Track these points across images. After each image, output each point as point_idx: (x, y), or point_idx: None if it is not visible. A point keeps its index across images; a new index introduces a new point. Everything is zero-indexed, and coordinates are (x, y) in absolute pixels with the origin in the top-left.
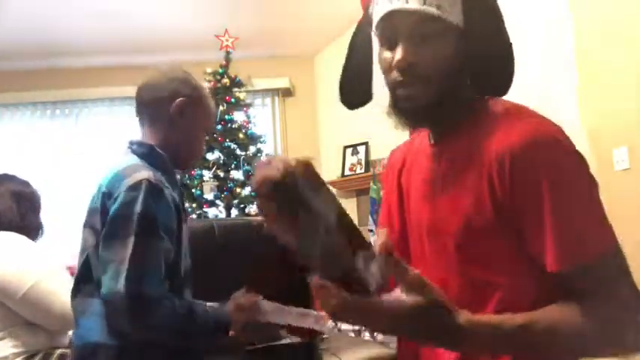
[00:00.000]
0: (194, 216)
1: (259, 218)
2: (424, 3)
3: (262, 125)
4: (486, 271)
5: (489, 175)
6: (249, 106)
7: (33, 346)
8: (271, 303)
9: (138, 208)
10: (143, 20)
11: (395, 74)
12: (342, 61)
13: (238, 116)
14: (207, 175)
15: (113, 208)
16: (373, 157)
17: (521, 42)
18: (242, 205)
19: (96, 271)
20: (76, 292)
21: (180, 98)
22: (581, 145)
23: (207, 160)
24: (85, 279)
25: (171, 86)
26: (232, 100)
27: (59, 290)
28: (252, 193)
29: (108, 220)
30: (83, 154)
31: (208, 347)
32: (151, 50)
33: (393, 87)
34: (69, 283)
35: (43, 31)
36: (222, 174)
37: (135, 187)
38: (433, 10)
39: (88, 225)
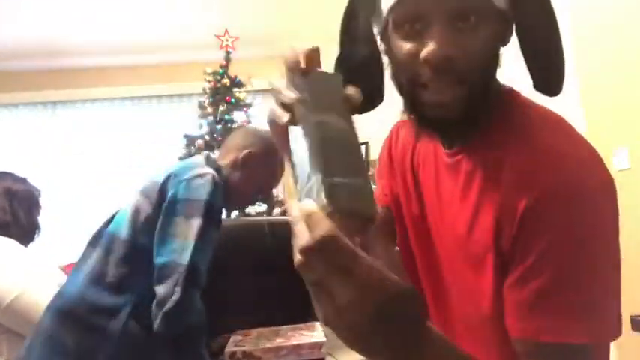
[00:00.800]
0: None
1: (259, 219)
2: None
3: (262, 125)
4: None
5: (500, 209)
6: (249, 106)
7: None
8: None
9: (205, 194)
10: (143, 20)
11: (424, 71)
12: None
13: (238, 116)
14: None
15: (180, 188)
16: (373, 157)
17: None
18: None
19: (141, 236)
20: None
21: (249, 151)
22: None
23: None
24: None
25: (249, 140)
26: (232, 100)
27: (45, 302)
28: None
29: (174, 199)
30: (83, 154)
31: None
32: (151, 50)
33: (415, 88)
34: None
35: (43, 31)
36: None
37: (202, 175)
38: None
39: (145, 193)
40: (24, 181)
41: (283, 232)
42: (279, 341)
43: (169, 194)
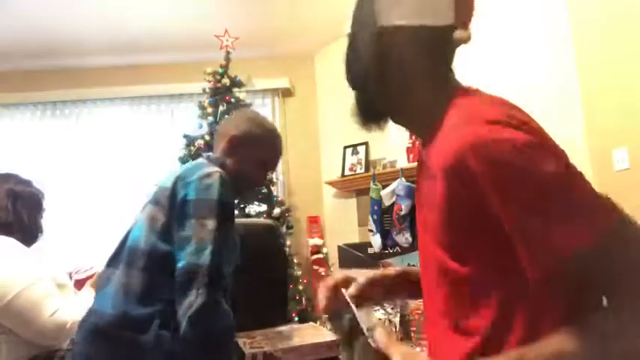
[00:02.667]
0: None
1: (259, 219)
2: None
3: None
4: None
5: (442, 193)
6: (249, 106)
7: (15, 355)
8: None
9: (215, 193)
10: (143, 20)
11: None
12: (343, 61)
13: None
14: None
15: (189, 190)
16: (373, 157)
17: (522, 43)
18: (242, 205)
19: (160, 244)
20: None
21: (233, 134)
22: (582, 145)
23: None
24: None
25: (236, 123)
26: (232, 100)
27: (42, 303)
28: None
29: (185, 202)
30: (83, 154)
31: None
32: (151, 50)
33: None
34: (53, 293)
35: (43, 31)
36: None
37: (210, 175)
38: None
39: (155, 201)
40: (28, 183)
41: (258, 234)
42: (297, 341)
43: (179, 197)
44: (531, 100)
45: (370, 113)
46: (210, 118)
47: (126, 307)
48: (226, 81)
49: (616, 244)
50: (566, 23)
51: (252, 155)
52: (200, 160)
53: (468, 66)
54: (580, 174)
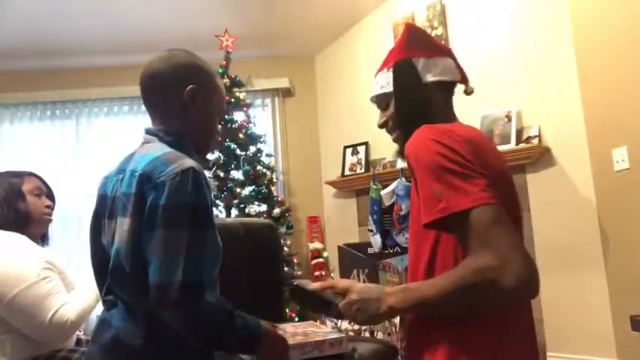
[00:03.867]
0: None
1: (258, 219)
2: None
3: (262, 125)
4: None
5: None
6: (249, 106)
7: (19, 355)
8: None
9: (190, 197)
10: (143, 20)
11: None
12: (342, 61)
13: (238, 116)
14: (207, 175)
15: (162, 195)
16: (373, 157)
17: (523, 43)
18: (242, 205)
19: (132, 260)
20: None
21: (191, 86)
22: (582, 145)
23: (207, 160)
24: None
25: (179, 74)
26: (232, 100)
27: (47, 299)
28: (252, 193)
29: (154, 208)
30: (83, 154)
31: (231, 352)
32: (151, 50)
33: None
34: (57, 291)
35: (43, 31)
36: (222, 174)
37: (184, 173)
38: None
39: (118, 212)
40: (7, 174)
41: (257, 233)
42: (300, 338)
43: (148, 202)
44: (531, 100)
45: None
46: None
47: (129, 328)
48: (226, 81)
49: (477, 217)
50: (566, 23)
51: (211, 102)
52: (157, 146)
53: (468, 66)
54: (474, 170)
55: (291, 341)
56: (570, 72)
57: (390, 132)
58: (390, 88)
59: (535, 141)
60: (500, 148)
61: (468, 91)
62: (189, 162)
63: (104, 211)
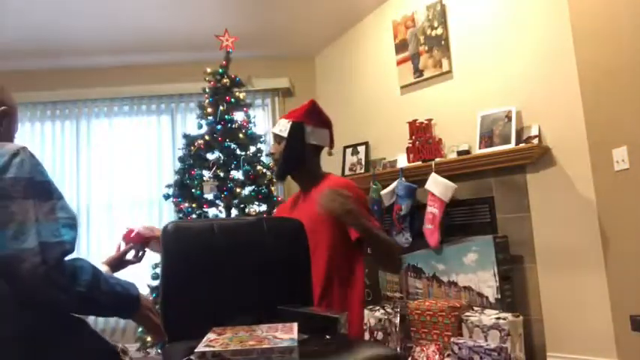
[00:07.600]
0: (194, 216)
1: (208, 220)
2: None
3: (262, 125)
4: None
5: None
6: (249, 106)
7: None
8: None
9: (29, 168)
10: (143, 20)
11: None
12: (342, 61)
13: (238, 116)
14: (207, 175)
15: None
16: (373, 157)
17: (523, 43)
18: (242, 205)
19: None
20: None
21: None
22: (582, 145)
23: (207, 160)
24: None
25: None
26: (232, 100)
27: None
28: (252, 193)
29: None
30: (82, 154)
31: (109, 314)
32: (151, 50)
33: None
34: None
35: (43, 31)
36: (222, 174)
37: (17, 152)
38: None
39: None
40: None
41: (232, 233)
42: (250, 344)
43: None
44: (532, 100)
45: (284, 175)
46: (210, 118)
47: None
48: (226, 81)
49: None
50: (566, 23)
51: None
52: None
53: (469, 66)
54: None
55: (238, 346)
56: (570, 72)
57: (275, 162)
58: (285, 134)
59: (535, 141)
60: (501, 148)
61: (329, 153)
62: (17, 144)
63: None
